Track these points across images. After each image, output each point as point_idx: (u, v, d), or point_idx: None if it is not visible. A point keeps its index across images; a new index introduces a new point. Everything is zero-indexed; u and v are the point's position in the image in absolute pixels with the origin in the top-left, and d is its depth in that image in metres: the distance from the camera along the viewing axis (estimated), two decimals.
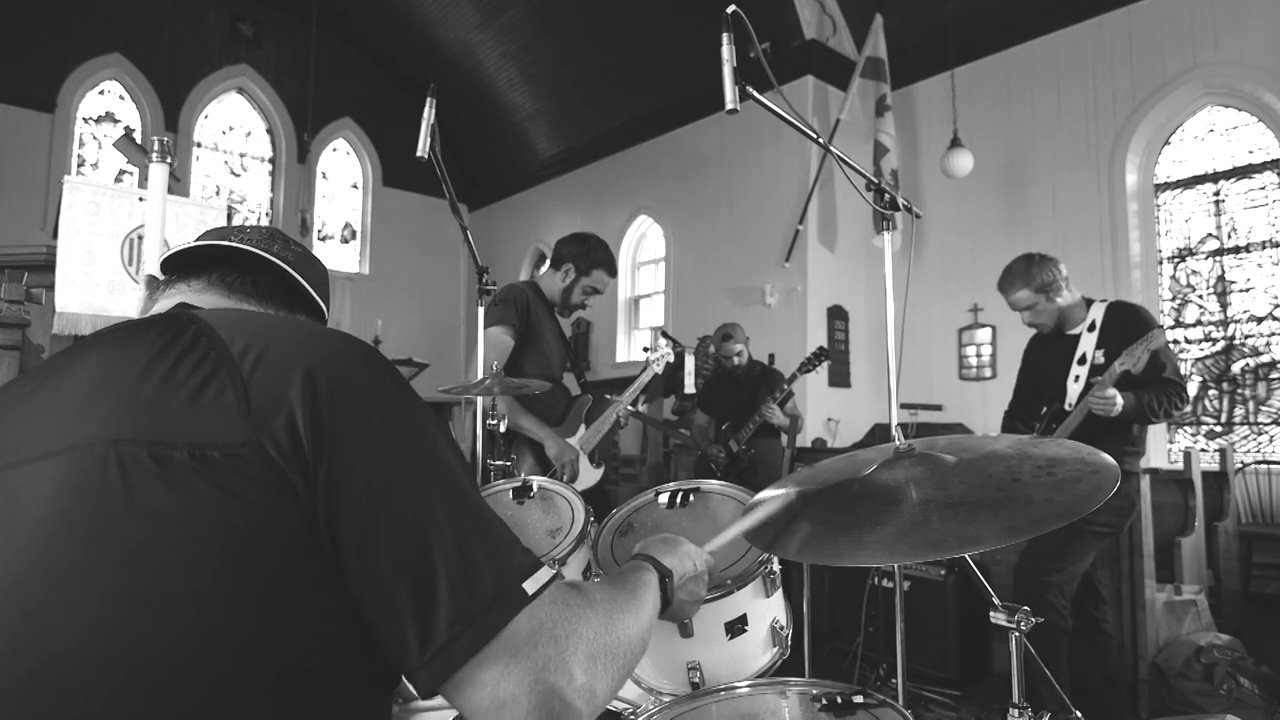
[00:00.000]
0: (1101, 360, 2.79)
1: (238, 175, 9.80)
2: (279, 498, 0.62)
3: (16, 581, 0.60)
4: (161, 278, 0.92)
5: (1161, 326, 2.75)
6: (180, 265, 0.90)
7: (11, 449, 0.68)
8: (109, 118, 8.78)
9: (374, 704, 0.71)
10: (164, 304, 0.87)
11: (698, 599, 1.09)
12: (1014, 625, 1.16)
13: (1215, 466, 4.44)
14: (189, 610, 0.60)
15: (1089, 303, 2.94)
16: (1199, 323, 5.75)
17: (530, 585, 0.69)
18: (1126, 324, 2.77)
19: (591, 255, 3.04)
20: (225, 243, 0.90)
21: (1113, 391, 2.61)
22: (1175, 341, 5.74)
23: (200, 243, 0.90)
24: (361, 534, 0.64)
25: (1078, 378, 2.84)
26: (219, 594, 0.60)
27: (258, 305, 0.90)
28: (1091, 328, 2.86)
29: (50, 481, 0.64)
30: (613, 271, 3.11)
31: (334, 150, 10.53)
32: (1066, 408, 2.85)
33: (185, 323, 0.72)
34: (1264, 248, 5.49)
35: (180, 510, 0.61)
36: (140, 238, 2.41)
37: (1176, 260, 5.89)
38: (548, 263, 3.12)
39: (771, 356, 6.06)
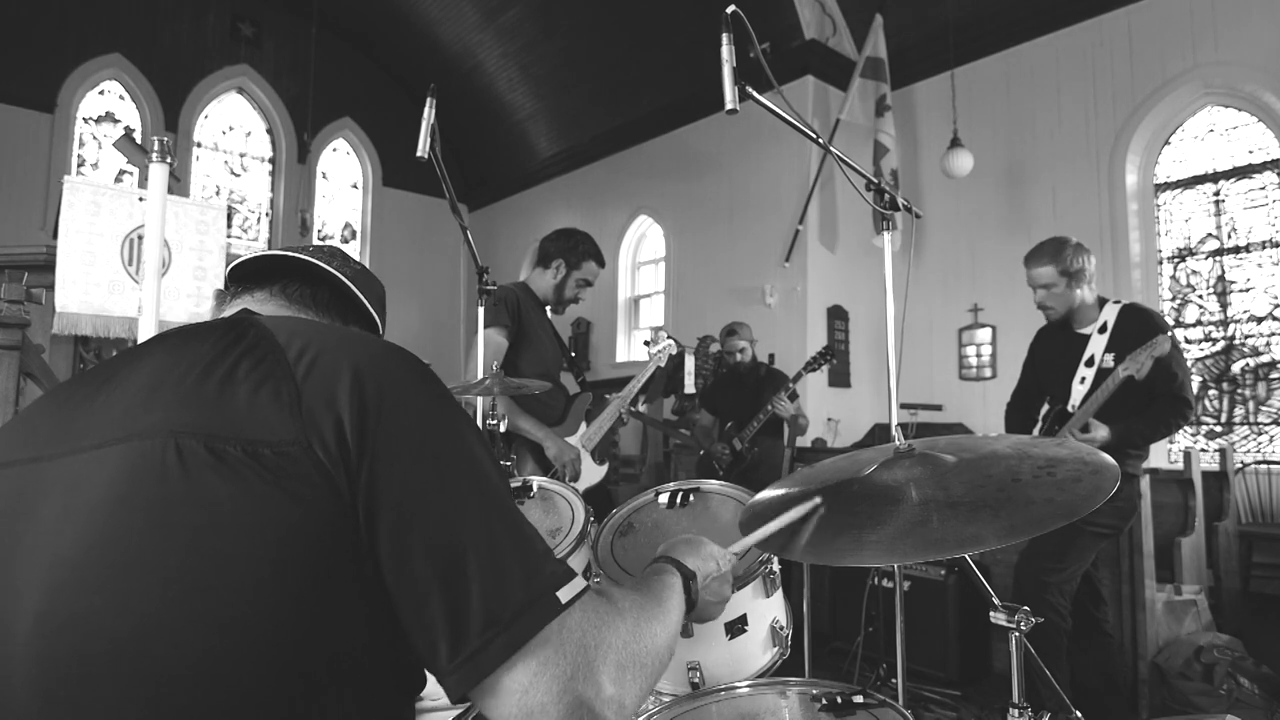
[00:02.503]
0: (1110, 364, 2.73)
1: (238, 175, 9.80)
2: (325, 497, 0.64)
3: (74, 563, 0.63)
4: (227, 289, 0.97)
5: (1169, 333, 2.69)
6: (244, 277, 0.95)
7: (74, 436, 0.71)
8: (109, 118, 8.78)
9: (401, 706, 0.73)
10: (228, 312, 0.91)
11: (722, 599, 1.08)
12: (1014, 625, 1.16)
13: (1215, 466, 4.43)
14: (237, 599, 0.61)
15: (1102, 303, 2.89)
16: (1199, 323, 5.75)
17: (563, 594, 0.69)
18: (1140, 328, 2.72)
19: (580, 248, 3.06)
20: (287, 254, 0.95)
21: (1098, 437, 2.63)
22: (1177, 343, 5.74)
23: (264, 253, 0.95)
24: (398, 536, 0.66)
25: (1084, 379, 2.80)
26: (266, 586, 0.62)
27: (315, 315, 0.94)
28: (1103, 329, 2.81)
29: (111, 467, 0.66)
30: (601, 262, 3.14)
31: (334, 150, 10.53)
32: (1069, 408, 2.83)
33: (245, 326, 0.76)
34: (1264, 248, 5.49)
35: (233, 502, 0.63)
36: (140, 238, 2.41)
37: (1176, 260, 5.89)
38: (534, 263, 3.13)
39: (771, 356, 6.06)
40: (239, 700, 0.60)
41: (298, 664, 0.63)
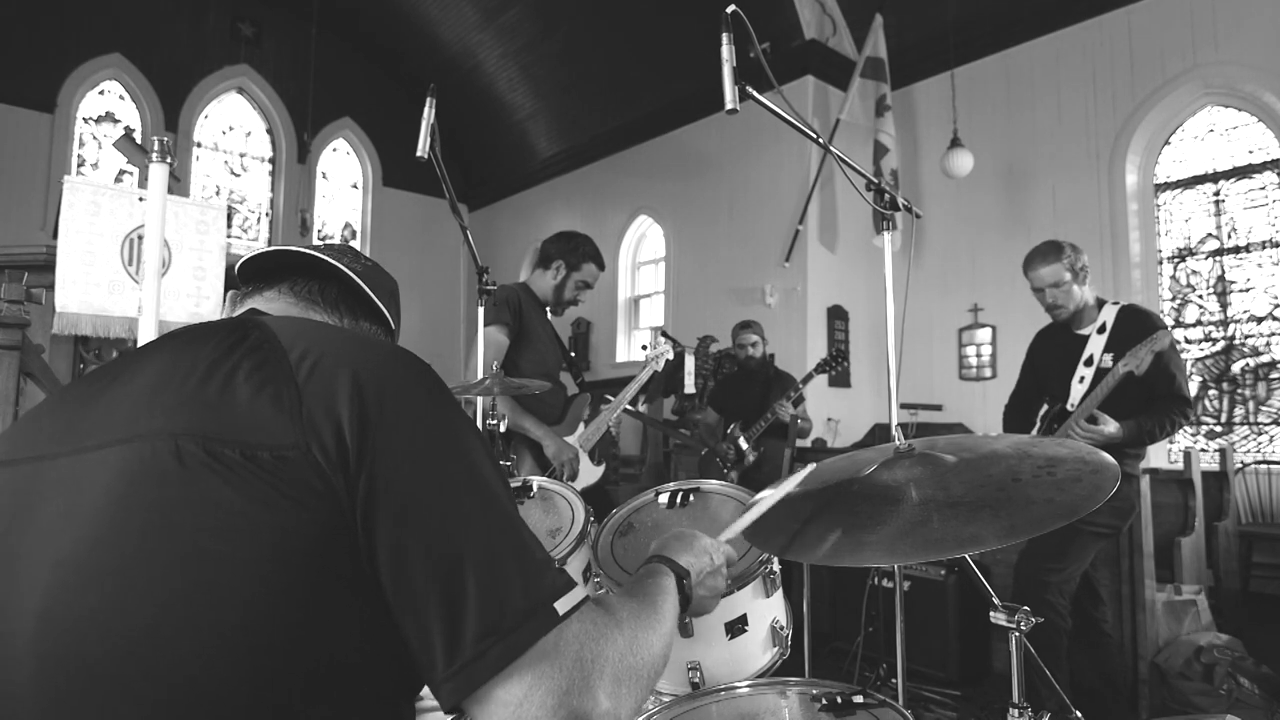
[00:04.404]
0: (1109, 364, 2.75)
1: (238, 175, 9.80)
2: (324, 501, 0.64)
3: (74, 563, 0.63)
4: (238, 289, 0.96)
5: (1167, 328, 2.71)
6: (254, 275, 0.95)
7: (77, 437, 0.71)
8: (109, 118, 8.78)
9: (399, 707, 0.72)
10: (238, 313, 0.91)
11: (718, 593, 1.06)
12: (1014, 625, 1.16)
13: (1215, 466, 4.43)
14: (235, 600, 0.61)
15: (1101, 304, 2.91)
16: (1199, 323, 5.75)
17: (561, 605, 0.68)
18: (1138, 328, 2.73)
19: (580, 250, 3.08)
20: (295, 250, 0.94)
21: (1105, 431, 2.63)
22: (1175, 342, 5.75)
23: (272, 249, 0.94)
24: (396, 542, 0.65)
25: (1082, 379, 2.82)
26: (265, 587, 0.62)
27: (323, 312, 0.93)
28: (1101, 329, 2.83)
29: (111, 468, 0.66)
30: (601, 264, 3.16)
31: (334, 150, 10.53)
32: (1068, 408, 2.84)
33: (249, 328, 0.76)
34: (1264, 248, 5.49)
35: (231, 504, 0.63)
36: (140, 238, 2.41)
37: (1176, 260, 5.89)
38: (534, 265, 3.15)
39: (771, 356, 6.05)
40: (238, 700, 0.60)
41: (296, 664, 0.62)
